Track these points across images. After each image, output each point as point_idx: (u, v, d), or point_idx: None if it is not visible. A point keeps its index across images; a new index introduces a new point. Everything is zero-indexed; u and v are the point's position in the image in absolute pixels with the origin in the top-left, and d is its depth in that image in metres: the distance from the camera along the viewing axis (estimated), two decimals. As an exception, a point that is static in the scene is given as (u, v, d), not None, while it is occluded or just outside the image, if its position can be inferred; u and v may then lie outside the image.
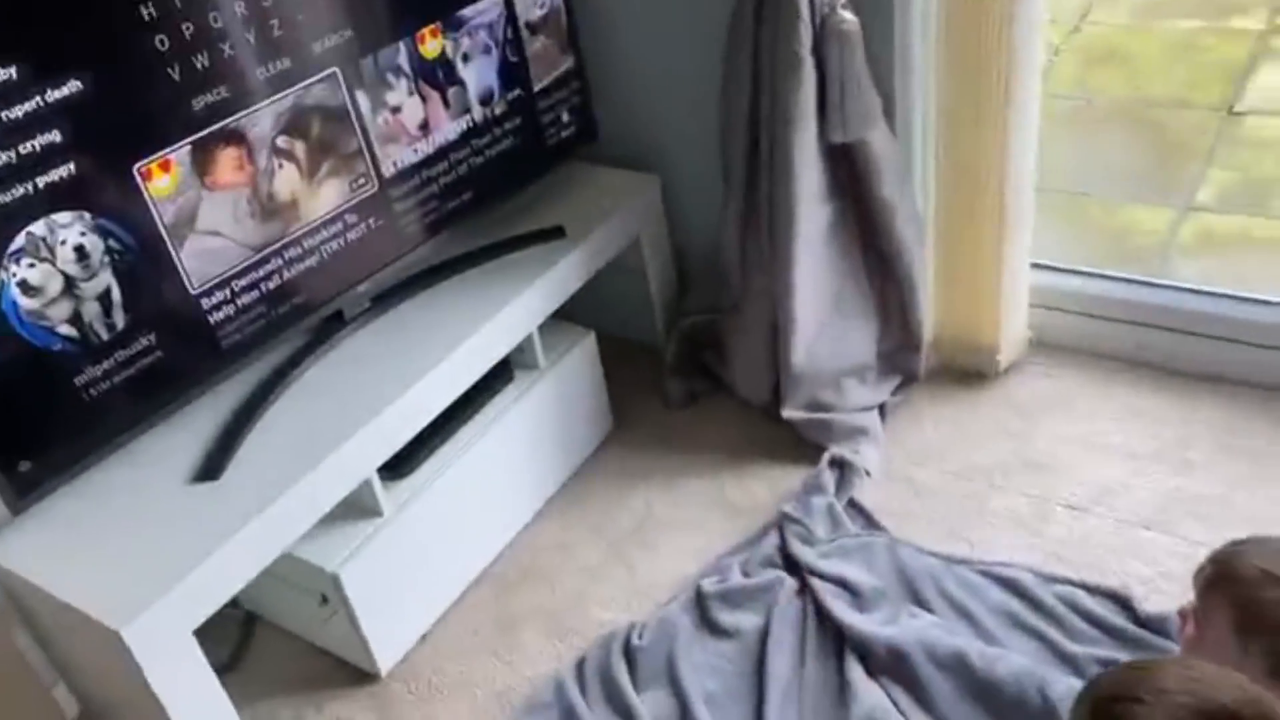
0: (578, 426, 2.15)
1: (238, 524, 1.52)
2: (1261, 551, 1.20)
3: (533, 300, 1.95)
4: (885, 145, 1.91)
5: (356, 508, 1.76)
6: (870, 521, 1.95)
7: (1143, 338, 2.16)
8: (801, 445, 2.12)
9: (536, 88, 2.06)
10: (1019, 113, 1.89)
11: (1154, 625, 1.63)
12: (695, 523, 2.03)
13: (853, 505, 1.98)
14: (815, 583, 1.79)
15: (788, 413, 2.11)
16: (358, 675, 1.86)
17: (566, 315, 2.12)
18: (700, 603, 1.82)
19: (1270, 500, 1.84)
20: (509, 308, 1.89)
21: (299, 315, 1.78)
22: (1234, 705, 0.90)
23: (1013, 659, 1.61)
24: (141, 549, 1.52)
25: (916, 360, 2.17)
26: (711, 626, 1.78)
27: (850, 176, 1.95)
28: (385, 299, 1.93)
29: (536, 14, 2.02)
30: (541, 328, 2.03)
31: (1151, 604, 1.69)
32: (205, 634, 1.54)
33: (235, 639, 1.94)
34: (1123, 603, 1.70)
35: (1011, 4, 1.76)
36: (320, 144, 1.74)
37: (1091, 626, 1.67)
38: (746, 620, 1.78)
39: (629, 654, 1.76)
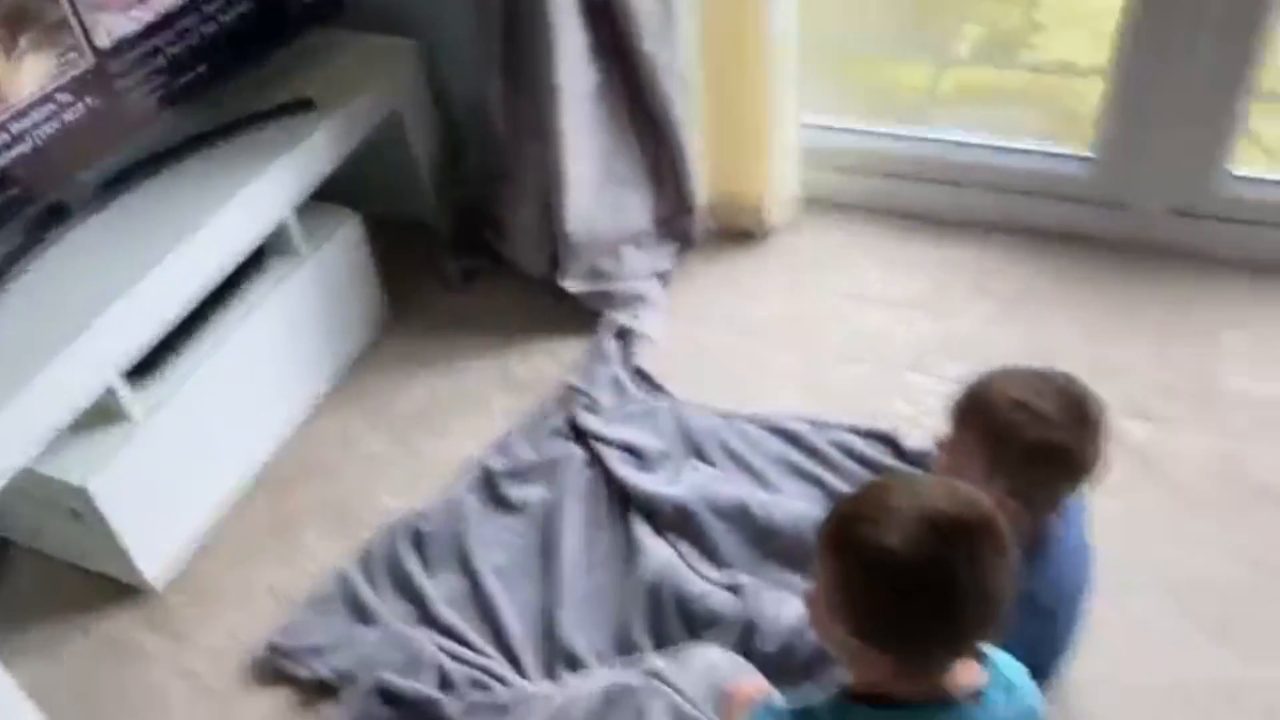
0: (349, 315, 2.05)
1: (-46, 443, 1.37)
2: (1009, 380, 1.26)
3: (281, 180, 1.82)
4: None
5: (104, 415, 1.62)
6: (654, 386, 1.96)
7: (907, 190, 2.22)
8: (585, 317, 2.10)
9: (270, -54, 1.88)
10: (777, -35, 1.87)
11: (917, 460, 1.72)
12: (482, 404, 1.99)
13: (638, 373, 1.99)
14: (602, 450, 1.79)
15: (568, 284, 2.07)
16: (129, 592, 1.75)
17: (331, 197, 1.99)
18: (488, 481, 1.80)
19: (1020, 336, 1.96)
20: (251, 189, 1.76)
21: (13, 209, 1.59)
22: (954, 509, 0.95)
23: (789, 504, 1.67)
24: None
25: (691, 224, 2.16)
26: (500, 503, 1.77)
27: (612, 34, 1.89)
28: (114, 186, 1.75)
29: None
30: (300, 212, 1.90)
31: (915, 440, 1.78)
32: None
33: (-16, 569, 1.79)
34: (890, 442, 1.78)
35: None
36: (14, 13, 1.53)
37: (862, 467, 1.75)
38: (535, 494, 1.77)
39: (416, 539, 1.72)
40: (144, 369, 1.69)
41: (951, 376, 1.88)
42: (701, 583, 1.56)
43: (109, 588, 1.75)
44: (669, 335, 2.07)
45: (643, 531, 1.67)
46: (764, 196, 2.17)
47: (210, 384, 1.75)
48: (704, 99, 2.06)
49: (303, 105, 1.93)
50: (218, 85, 1.84)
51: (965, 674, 1.01)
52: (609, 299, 2.07)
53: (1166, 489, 1.69)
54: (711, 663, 1.40)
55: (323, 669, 1.56)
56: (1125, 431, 1.77)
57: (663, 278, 2.15)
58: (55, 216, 1.68)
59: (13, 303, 1.58)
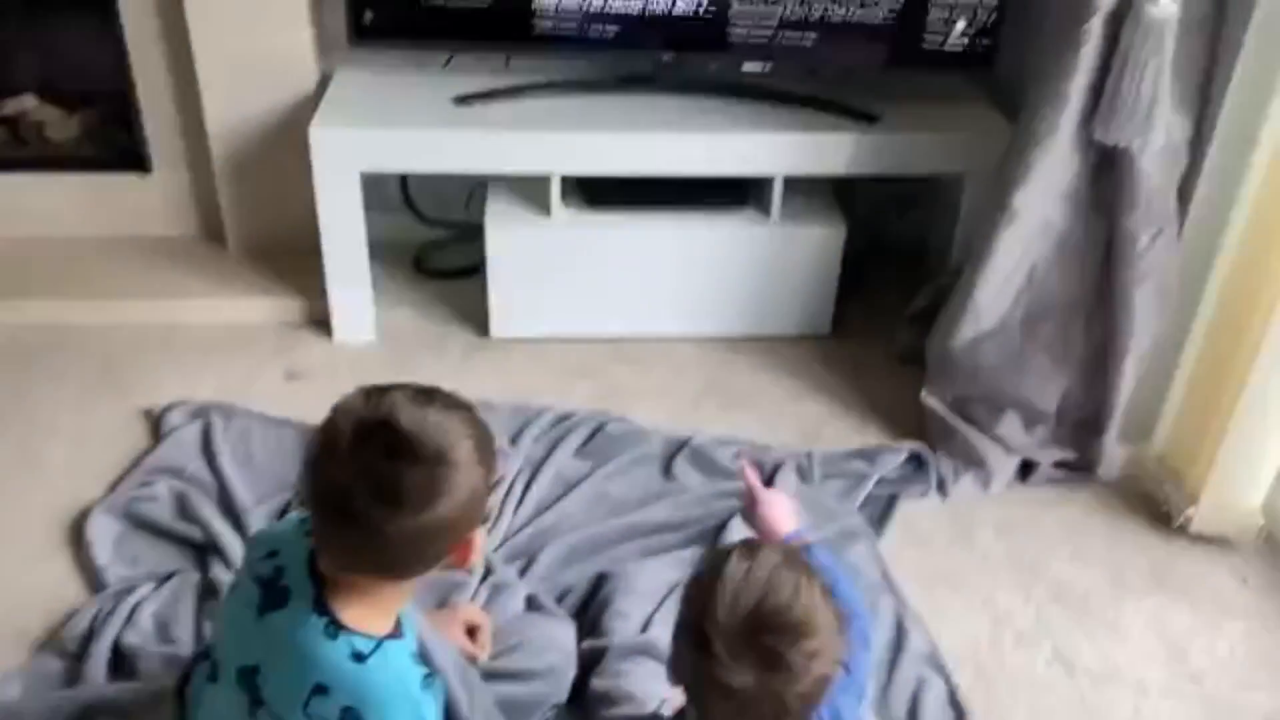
0: (783, 300, 2.19)
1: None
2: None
3: (778, 145, 2.05)
4: (1155, 167, 1.61)
5: (540, 200, 2.11)
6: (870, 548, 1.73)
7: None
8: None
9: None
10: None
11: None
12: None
13: (889, 508, 1.81)
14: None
15: (926, 396, 1.93)
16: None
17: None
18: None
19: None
20: (760, 137, 2.05)
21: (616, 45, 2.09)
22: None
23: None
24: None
25: (1098, 445, 1.82)
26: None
27: (1108, 193, 1.67)
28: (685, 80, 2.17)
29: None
30: (800, 194, 2.13)
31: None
32: None
33: None
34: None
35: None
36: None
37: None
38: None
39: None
40: (591, 197, 2.13)
41: None
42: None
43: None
44: (933, 528, 1.80)
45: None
46: (1198, 484, 1.72)
47: (615, 241, 2.11)
48: (1200, 336, 1.71)
49: (867, 117, 2.09)
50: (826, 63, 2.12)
51: None
52: (950, 437, 1.89)
53: None
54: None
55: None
56: None
57: (1027, 473, 1.87)
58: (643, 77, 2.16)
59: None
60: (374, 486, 0.97)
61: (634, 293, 2.18)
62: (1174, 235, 1.66)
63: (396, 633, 1.05)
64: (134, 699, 1.40)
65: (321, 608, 1.03)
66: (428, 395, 1.02)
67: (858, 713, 1.12)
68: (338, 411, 1.01)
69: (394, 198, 2.39)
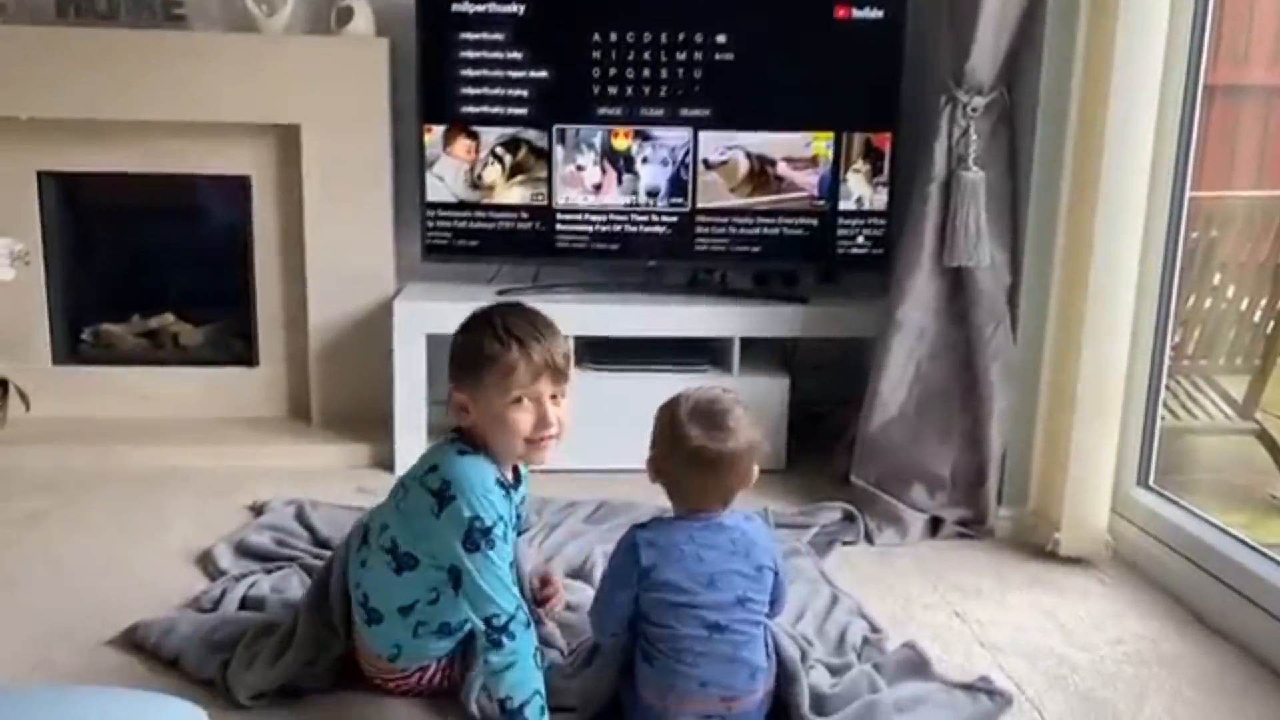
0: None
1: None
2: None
3: (732, 317, 2.81)
4: (987, 279, 2.33)
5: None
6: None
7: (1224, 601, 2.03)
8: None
9: (846, 210, 2.88)
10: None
11: None
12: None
13: (828, 547, 2.34)
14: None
15: (855, 477, 2.51)
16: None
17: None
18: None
19: None
20: (718, 308, 2.83)
21: (615, 256, 2.91)
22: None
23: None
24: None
25: (983, 497, 2.38)
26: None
27: (960, 300, 2.38)
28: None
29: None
30: (759, 354, 2.84)
31: None
32: None
33: None
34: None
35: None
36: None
37: None
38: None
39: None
40: (597, 359, 2.82)
41: None
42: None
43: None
44: (862, 558, 2.32)
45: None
46: (1058, 516, 2.26)
47: (616, 393, 2.77)
48: (1043, 404, 2.33)
49: (798, 299, 2.85)
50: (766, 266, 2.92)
51: None
52: (873, 505, 2.44)
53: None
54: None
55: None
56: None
57: (936, 529, 2.41)
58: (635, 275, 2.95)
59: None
60: (486, 324, 1.62)
61: (627, 434, 2.79)
62: (1008, 327, 2.35)
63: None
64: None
65: (453, 435, 1.63)
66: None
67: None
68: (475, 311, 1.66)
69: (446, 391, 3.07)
